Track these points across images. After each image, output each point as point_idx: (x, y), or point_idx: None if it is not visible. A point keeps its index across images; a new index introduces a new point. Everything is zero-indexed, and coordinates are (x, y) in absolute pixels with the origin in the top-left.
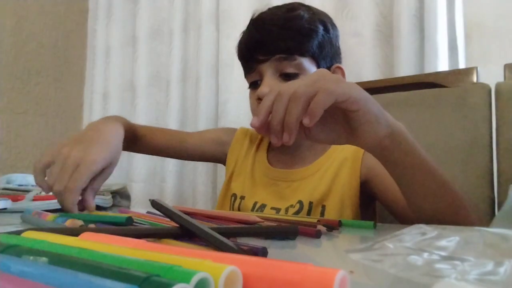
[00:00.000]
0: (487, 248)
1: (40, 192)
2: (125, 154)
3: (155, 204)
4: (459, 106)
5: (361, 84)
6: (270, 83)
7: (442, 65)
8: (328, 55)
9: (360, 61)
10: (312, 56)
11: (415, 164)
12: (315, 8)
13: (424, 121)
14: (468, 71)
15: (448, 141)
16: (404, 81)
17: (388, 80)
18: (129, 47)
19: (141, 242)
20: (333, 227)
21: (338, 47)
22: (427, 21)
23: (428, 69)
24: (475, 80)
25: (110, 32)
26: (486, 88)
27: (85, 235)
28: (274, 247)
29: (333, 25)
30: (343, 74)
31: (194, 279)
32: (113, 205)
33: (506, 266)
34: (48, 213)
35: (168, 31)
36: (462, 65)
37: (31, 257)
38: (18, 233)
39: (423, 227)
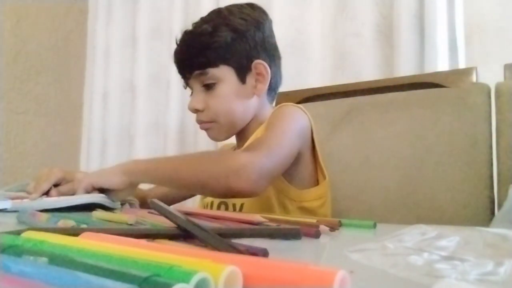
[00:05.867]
0: (487, 248)
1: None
2: (125, 155)
3: (154, 204)
4: (459, 106)
5: (361, 84)
6: (197, 98)
7: (442, 65)
8: (243, 56)
9: (360, 61)
10: (225, 63)
11: (161, 179)
12: (231, 9)
13: (424, 121)
14: (468, 71)
15: (448, 141)
16: (404, 81)
17: (388, 80)
18: (129, 47)
19: (141, 242)
20: (333, 227)
21: (262, 41)
22: (427, 21)
23: (428, 69)
24: (475, 80)
25: (110, 32)
26: (486, 88)
27: (85, 235)
28: (274, 247)
29: (251, 22)
30: (265, 69)
31: (194, 279)
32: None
33: (506, 266)
34: (42, 213)
35: (168, 31)
36: (462, 65)
37: (31, 257)
38: (18, 233)
39: (423, 227)
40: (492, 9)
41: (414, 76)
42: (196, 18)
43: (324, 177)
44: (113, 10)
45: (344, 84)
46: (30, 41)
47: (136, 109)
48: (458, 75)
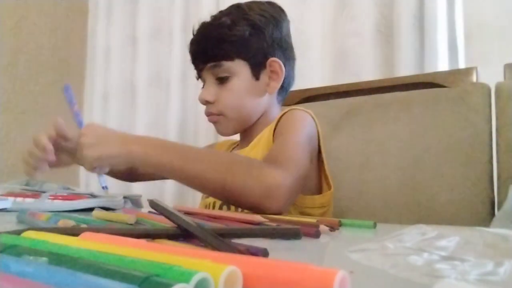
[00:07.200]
0: (487, 248)
1: (55, 193)
2: None
3: (153, 204)
4: (459, 106)
5: (361, 84)
6: (209, 90)
7: (442, 65)
8: (259, 52)
9: (360, 61)
10: (240, 58)
11: (179, 175)
12: (251, 5)
13: (424, 121)
14: (468, 71)
15: (448, 141)
16: (404, 81)
17: (388, 80)
18: (129, 47)
19: (141, 242)
20: (333, 227)
21: (279, 39)
22: (427, 21)
23: (428, 69)
24: (475, 80)
25: (110, 32)
26: (486, 88)
27: (85, 235)
28: (274, 247)
29: (270, 20)
30: (279, 67)
31: (194, 279)
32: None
33: (506, 266)
34: (42, 213)
35: (168, 31)
36: (462, 65)
37: (31, 257)
38: (18, 233)
39: (423, 227)
40: (492, 9)
41: (414, 76)
42: (197, 18)
43: (329, 187)
44: (114, 10)
45: (344, 84)
46: (30, 41)
47: (136, 109)
48: (458, 75)
